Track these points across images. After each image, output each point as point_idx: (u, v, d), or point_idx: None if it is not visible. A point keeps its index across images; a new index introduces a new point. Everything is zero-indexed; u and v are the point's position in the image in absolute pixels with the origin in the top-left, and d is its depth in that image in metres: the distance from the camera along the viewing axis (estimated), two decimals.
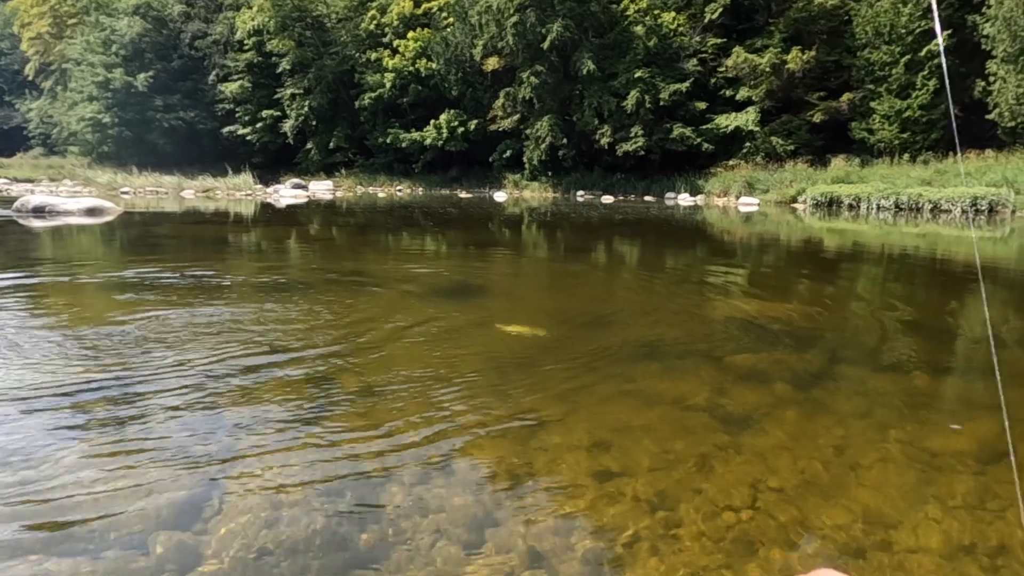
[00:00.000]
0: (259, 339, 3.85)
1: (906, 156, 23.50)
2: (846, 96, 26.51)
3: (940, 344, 4.39)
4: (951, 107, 23.29)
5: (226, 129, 42.79)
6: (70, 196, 16.20)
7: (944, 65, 2.21)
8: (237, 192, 27.96)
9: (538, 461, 2.37)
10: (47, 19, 54.65)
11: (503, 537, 1.89)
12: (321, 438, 2.50)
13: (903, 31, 23.74)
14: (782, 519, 2.01)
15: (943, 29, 22.87)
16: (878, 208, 20.35)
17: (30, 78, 58.12)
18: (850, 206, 21.24)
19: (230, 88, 42.34)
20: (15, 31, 58.86)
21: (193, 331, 3.98)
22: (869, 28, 24.87)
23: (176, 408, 2.73)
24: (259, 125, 41.44)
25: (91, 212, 13.08)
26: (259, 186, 30.59)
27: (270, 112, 40.94)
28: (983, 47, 21.35)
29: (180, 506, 1.99)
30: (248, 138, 41.94)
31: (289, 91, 39.85)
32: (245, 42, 41.27)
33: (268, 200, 24.01)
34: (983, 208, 18.00)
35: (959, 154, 22.77)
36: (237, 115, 42.68)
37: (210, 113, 43.71)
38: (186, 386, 2.99)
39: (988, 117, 21.63)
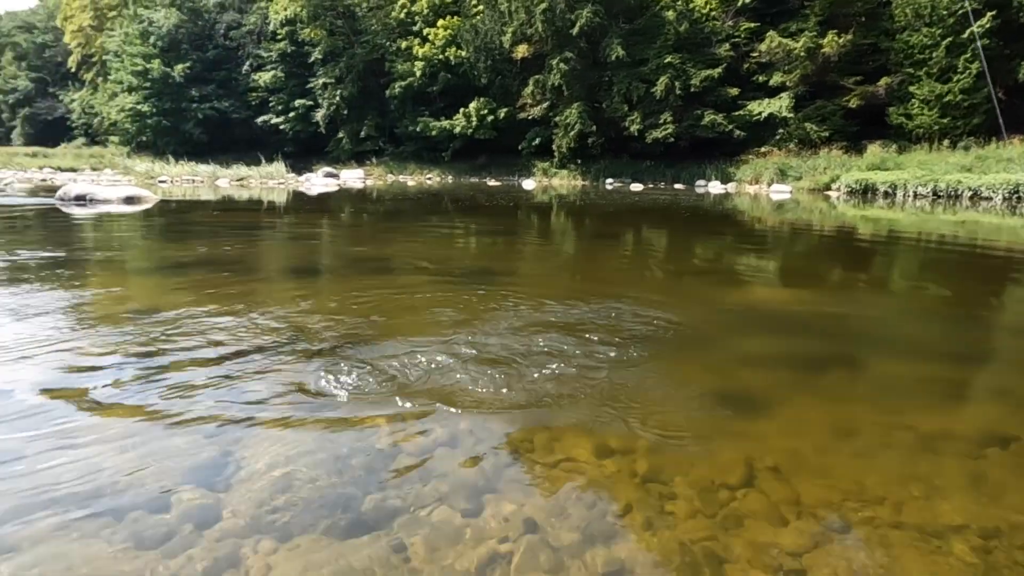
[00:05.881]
0: (275, 327, 4.01)
1: (946, 142, 22.85)
2: (883, 80, 25.79)
3: (995, 332, 4.35)
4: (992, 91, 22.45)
5: (260, 119, 43.49)
6: (111, 185, 16.69)
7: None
8: (270, 180, 28.44)
9: (540, 438, 2.47)
10: (88, 12, 56.21)
11: (503, 499, 2.00)
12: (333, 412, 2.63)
13: (944, 12, 23.03)
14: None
15: (987, 10, 22.12)
16: (915, 195, 19.88)
17: (72, 70, 60.00)
18: (885, 193, 20.77)
19: (263, 78, 43.06)
20: (58, 24, 60.73)
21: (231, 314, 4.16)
22: (909, 10, 24.17)
23: (212, 380, 2.89)
24: (292, 114, 42.10)
25: (129, 200, 13.48)
26: (291, 175, 31.06)
27: (303, 101, 41.54)
28: None
29: (206, 465, 2.14)
30: (281, 127, 42.61)
31: (321, 80, 40.34)
32: (278, 32, 41.92)
33: (300, 188, 24.41)
34: None
35: (1004, 139, 22.02)
36: (271, 104, 43.39)
37: (243, 103, 44.48)
38: (217, 373, 3.16)
39: None
